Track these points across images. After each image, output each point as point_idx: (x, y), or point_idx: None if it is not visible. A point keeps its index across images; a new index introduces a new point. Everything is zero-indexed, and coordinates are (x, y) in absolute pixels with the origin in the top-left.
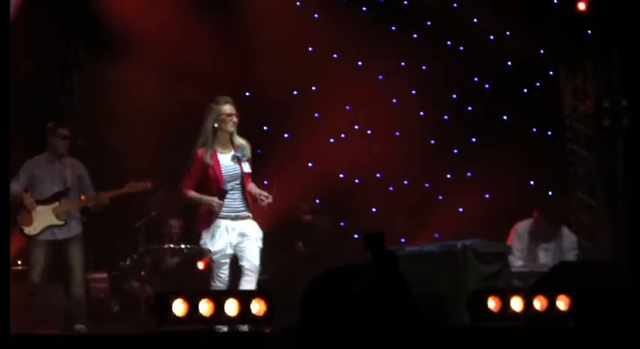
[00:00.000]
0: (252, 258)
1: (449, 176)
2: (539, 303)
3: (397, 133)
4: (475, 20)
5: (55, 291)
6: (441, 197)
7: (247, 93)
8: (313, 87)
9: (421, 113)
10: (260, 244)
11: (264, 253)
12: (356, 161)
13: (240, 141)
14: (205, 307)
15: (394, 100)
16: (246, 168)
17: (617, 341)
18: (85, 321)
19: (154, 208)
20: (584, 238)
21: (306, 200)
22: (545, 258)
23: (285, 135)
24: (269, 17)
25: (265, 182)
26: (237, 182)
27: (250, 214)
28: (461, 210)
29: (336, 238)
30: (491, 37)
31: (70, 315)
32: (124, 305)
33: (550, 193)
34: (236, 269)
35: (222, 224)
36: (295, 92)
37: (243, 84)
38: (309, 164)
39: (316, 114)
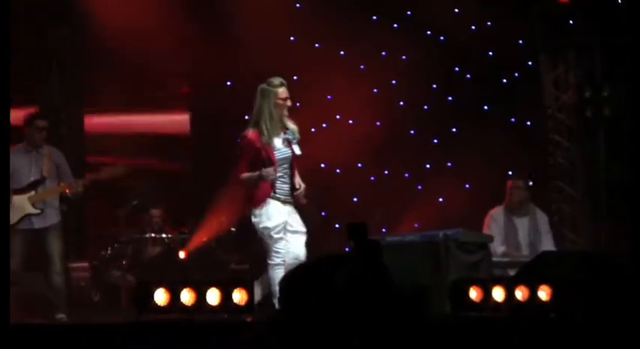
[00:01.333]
0: (300, 253)
1: (429, 166)
2: (520, 293)
3: (378, 123)
4: (456, 10)
5: (35, 281)
6: (420, 187)
7: (228, 83)
8: (295, 77)
9: (401, 103)
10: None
11: (245, 242)
12: (337, 151)
13: (290, 124)
14: (187, 296)
15: (375, 90)
16: (297, 150)
17: (599, 332)
18: (66, 311)
19: (136, 197)
20: (565, 228)
21: None
22: (522, 232)
23: None
24: (251, 6)
25: None
26: (287, 165)
27: (293, 200)
28: (441, 200)
29: (317, 228)
30: (473, 27)
31: (51, 305)
32: (105, 294)
33: (530, 183)
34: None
35: (272, 204)
36: None
37: (224, 73)
38: None
39: (297, 104)
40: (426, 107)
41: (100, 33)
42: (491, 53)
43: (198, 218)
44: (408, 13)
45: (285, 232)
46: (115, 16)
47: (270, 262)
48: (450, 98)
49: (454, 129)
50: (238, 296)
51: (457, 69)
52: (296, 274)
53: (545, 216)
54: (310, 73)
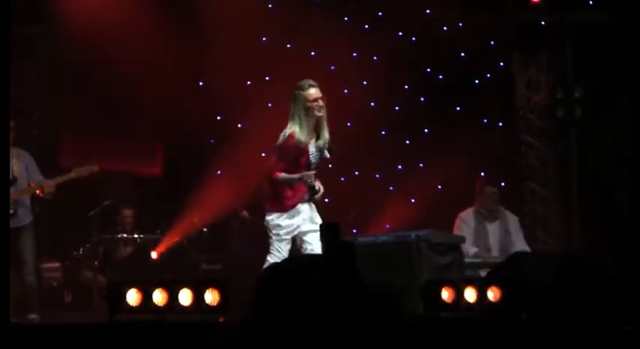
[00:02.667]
0: (318, 250)
1: (400, 167)
2: (492, 294)
3: (349, 124)
4: (428, 11)
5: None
6: (392, 188)
7: (200, 83)
8: (267, 78)
9: (372, 104)
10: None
11: (217, 242)
12: None
13: (325, 132)
14: (159, 297)
15: (346, 91)
16: (327, 154)
17: (569, 333)
18: (38, 311)
19: (107, 197)
20: (537, 229)
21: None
22: (493, 237)
23: (239, 125)
24: (223, 7)
25: (219, 172)
26: (315, 168)
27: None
28: (413, 200)
29: None
30: (445, 28)
31: (23, 305)
32: (77, 294)
33: (502, 184)
34: None
35: (297, 207)
36: (249, 82)
37: (197, 74)
38: (263, 154)
39: (270, 104)
40: (397, 108)
41: (74, 33)
42: (463, 54)
43: (170, 218)
44: (380, 14)
45: (298, 233)
46: (88, 16)
47: (268, 259)
48: (421, 99)
49: (426, 130)
50: (210, 297)
51: (429, 70)
52: (269, 275)
53: (514, 216)
54: (282, 74)
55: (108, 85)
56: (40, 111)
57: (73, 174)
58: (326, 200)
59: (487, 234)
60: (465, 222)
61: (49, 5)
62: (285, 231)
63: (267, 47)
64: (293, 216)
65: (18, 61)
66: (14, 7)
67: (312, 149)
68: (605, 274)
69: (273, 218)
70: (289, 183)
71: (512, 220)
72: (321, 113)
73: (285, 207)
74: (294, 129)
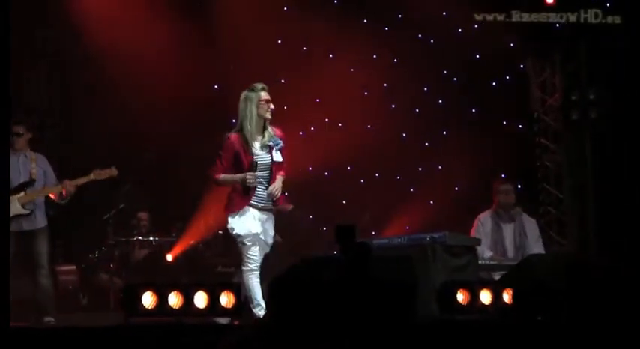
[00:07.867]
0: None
1: (420, 169)
2: (507, 296)
3: (368, 126)
4: (444, 13)
5: (22, 284)
6: (412, 189)
7: (215, 86)
8: (282, 80)
9: (392, 106)
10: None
11: (232, 245)
12: (326, 154)
13: (271, 130)
14: (174, 299)
15: (365, 93)
16: (277, 157)
17: (583, 336)
18: (54, 314)
19: (123, 200)
20: (552, 231)
21: None
22: (508, 238)
23: None
24: (238, 9)
25: None
26: (266, 172)
27: (272, 208)
28: (431, 202)
29: (305, 230)
30: (460, 30)
31: (39, 308)
32: (93, 297)
33: (519, 186)
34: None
35: (250, 211)
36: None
37: (211, 77)
38: None
39: (285, 107)
40: (416, 110)
41: (89, 36)
42: (478, 56)
43: (185, 221)
44: (399, 16)
45: (257, 239)
46: (103, 19)
47: (243, 268)
48: (440, 101)
49: (445, 132)
50: (225, 300)
51: (446, 72)
52: (284, 276)
53: (532, 219)
54: (299, 76)
55: (122, 89)
56: (53, 114)
57: (92, 177)
58: (343, 202)
59: (503, 235)
60: (482, 224)
61: (64, 8)
62: (246, 238)
63: (283, 49)
64: (247, 220)
65: (31, 64)
66: (28, 8)
67: (257, 150)
68: (620, 276)
69: (231, 227)
70: (229, 185)
71: (530, 223)
72: (269, 116)
73: (232, 209)
74: (235, 131)
